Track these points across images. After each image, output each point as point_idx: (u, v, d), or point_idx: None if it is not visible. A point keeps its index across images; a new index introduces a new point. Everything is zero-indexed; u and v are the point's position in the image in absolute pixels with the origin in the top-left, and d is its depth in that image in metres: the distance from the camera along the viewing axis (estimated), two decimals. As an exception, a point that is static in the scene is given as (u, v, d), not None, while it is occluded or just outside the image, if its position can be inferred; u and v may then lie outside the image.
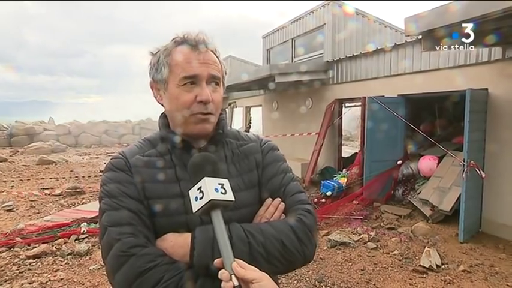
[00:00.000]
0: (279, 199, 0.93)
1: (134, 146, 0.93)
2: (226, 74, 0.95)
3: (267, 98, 10.89)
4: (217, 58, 0.90)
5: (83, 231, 4.42)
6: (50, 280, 3.33)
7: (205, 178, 0.73)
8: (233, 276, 0.66)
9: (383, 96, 5.84)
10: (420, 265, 3.51)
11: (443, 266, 3.52)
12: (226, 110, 13.86)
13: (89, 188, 7.43)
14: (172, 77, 0.86)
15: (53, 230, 4.51)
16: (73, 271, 3.55)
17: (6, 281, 3.30)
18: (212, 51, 0.89)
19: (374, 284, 3.23)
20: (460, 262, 3.61)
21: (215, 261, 0.71)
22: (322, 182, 6.41)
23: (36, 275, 3.44)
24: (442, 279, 3.26)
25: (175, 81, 0.85)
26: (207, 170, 0.76)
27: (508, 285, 3.15)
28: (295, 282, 3.30)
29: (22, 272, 3.49)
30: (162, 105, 0.94)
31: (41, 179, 8.84)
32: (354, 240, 4.17)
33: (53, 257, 3.83)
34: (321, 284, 3.25)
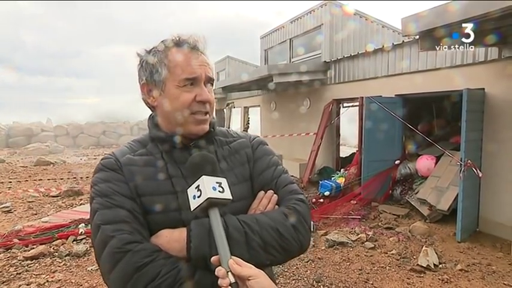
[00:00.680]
0: (272, 191, 0.94)
1: (124, 147, 0.94)
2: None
3: (265, 99, 10.90)
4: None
5: (81, 232, 4.42)
6: (47, 281, 3.32)
7: (203, 177, 0.75)
8: (229, 273, 0.66)
9: (380, 96, 5.86)
10: (418, 264, 3.52)
11: (440, 265, 3.54)
12: (224, 110, 13.86)
13: (87, 189, 7.40)
14: (171, 77, 0.86)
15: (50, 231, 4.50)
16: (71, 272, 3.54)
17: (3, 283, 3.29)
18: (204, 53, 0.91)
19: (372, 284, 3.23)
20: (457, 261, 3.62)
21: (212, 258, 0.72)
22: (320, 182, 6.42)
23: (34, 276, 3.43)
24: (439, 279, 3.27)
25: (175, 82, 0.86)
26: (206, 169, 0.77)
27: (504, 284, 3.16)
28: (293, 282, 3.31)
29: (20, 274, 3.48)
30: (152, 106, 0.93)
31: (39, 180, 8.81)
32: (352, 240, 4.18)
33: (50, 258, 3.83)
34: (319, 284, 3.26)
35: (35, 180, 8.78)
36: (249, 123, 12.53)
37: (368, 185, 5.72)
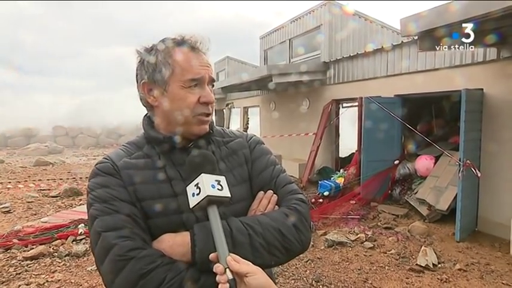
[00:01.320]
0: (271, 191, 0.94)
1: (119, 150, 0.91)
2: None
3: (264, 99, 10.91)
4: None
5: (81, 233, 4.42)
6: (47, 281, 3.32)
7: (202, 175, 0.75)
8: (227, 269, 0.67)
9: (380, 96, 5.87)
10: (417, 264, 3.53)
11: (439, 265, 3.55)
12: (224, 110, 13.87)
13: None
14: (175, 77, 0.85)
15: (50, 231, 4.50)
16: (70, 272, 3.54)
17: (3, 283, 3.29)
18: (206, 54, 0.90)
19: (371, 283, 3.24)
20: (456, 261, 3.63)
21: (210, 255, 0.72)
22: (320, 182, 6.42)
23: (34, 276, 3.43)
24: (438, 278, 3.28)
25: (179, 83, 0.85)
26: (206, 168, 0.77)
27: (503, 283, 3.17)
28: (293, 281, 3.31)
29: (19, 274, 3.48)
30: (151, 106, 0.91)
31: (38, 180, 8.81)
32: (351, 240, 4.19)
33: (50, 258, 3.82)
34: (318, 284, 3.26)
35: (34, 180, 8.77)
36: (248, 124, 12.54)
37: (367, 185, 5.73)
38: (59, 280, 3.36)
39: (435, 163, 5.46)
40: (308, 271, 3.50)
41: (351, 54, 6.82)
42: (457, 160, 4.28)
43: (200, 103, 0.86)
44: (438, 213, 4.82)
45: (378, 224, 4.85)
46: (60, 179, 8.92)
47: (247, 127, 12.36)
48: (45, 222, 5.03)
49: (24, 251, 4.00)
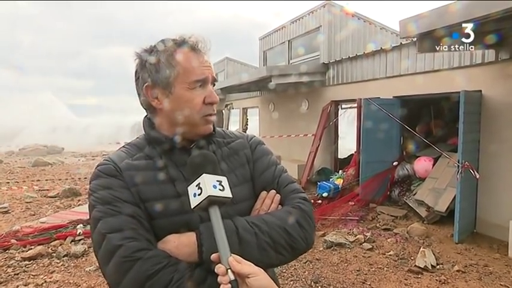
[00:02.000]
0: (274, 191, 0.94)
1: (120, 151, 0.90)
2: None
3: (263, 100, 10.91)
4: None
5: (79, 233, 4.41)
6: (45, 282, 3.32)
7: (203, 175, 0.75)
8: (229, 270, 0.67)
9: (379, 97, 5.88)
10: (415, 265, 3.53)
11: (438, 266, 3.55)
12: (223, 111, 13.87)
13: (85, 189, 7.36)
14: (179, 78, 0.84)
15: (48, 231, 4.49)
16: (69, 273, 3.54)
17: (1, 283, 3.28)
18: (207, 54, 0.90)
19: (369, 284, 3.24)
20: (454, 262, 3.63)
21: (212, 255, 0.72)
22: (319, 183, 6.43)
23: (32, 276, 3.42)
24: (436, 279, 3.28)
25: (185, 84, 0.84)
26: (207, 168, 0.77)
27: (501, 285, 3.18)
28: (292, 282, 3.31)
29: (17, 274, 3.47)
30: (153, 108, 0.89)
31: (37, 180, 8.79)
32: (349, 241, 4.19)
33: (48, 259, 3.82)
34: (317, 285, 3.26)
35: (32, 181, 8.75)
36: (247, 124, 12.55)
37: (366, 186, 5.73)
38: (57, 280, 3.35)
39: (434, 164, 5.47)
40: (307, 272, 3.50)
41: (351, 56, 6.83)
42: (456, 161, 4.29)
43: (205, 104, 0.87)
44: (437, 215, 4.82)
45: (377, 225, 4.85)
46: (59, 180, 8.90)
47: (247, 128, 12.37)
48: (44, 222, 5.02)
49: (22, 251, 3.99)
